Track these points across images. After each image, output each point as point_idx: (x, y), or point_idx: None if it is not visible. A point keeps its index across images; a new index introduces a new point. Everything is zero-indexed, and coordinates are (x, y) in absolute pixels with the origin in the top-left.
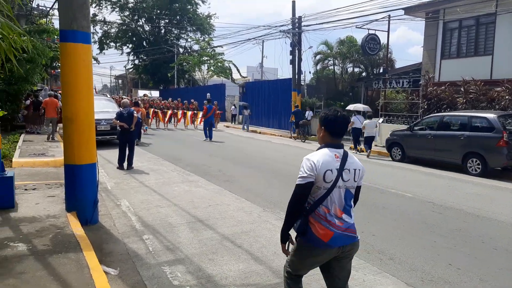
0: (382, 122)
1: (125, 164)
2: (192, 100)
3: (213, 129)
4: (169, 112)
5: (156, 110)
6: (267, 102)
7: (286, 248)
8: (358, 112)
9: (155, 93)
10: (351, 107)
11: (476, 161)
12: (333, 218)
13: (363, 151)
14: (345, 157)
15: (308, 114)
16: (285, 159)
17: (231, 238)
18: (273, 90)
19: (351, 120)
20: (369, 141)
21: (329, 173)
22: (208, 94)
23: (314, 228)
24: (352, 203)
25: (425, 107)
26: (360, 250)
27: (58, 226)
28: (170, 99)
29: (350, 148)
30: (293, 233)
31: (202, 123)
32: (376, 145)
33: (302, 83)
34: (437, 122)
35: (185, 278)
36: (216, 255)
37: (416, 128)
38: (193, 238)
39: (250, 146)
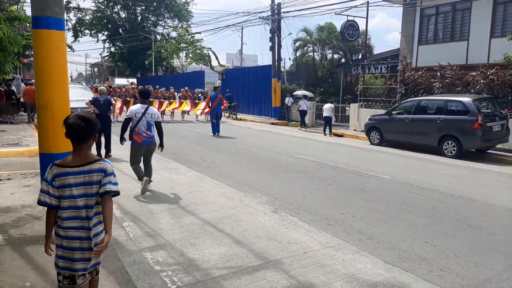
0: (360, 107)
1: (103, 152)
2: (186, 88)
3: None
4: (166, 102)
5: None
6: (247, 89)
7: (122, 143)
8: (304, 97)
9: (133, 81)
10: (298, 92)
11: (451, 143)
12: (142, 132)
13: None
14: (147, 108)
15: (288, 100)
16: (265, 144)
17: (213, 223)
18: (253, 77)
19: (299, 104)
20: (328, 121)
21: (137, 114)
22: (219, 81)
23: (134, 136)
24: (153, 128)
25: (403, 92)
26: (339, 231)
27: (35, 216)
28: (163, 89)
29: (299, 127)
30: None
31: (202, 113)
32: (354, 130)
33: (282, 70)
34: (414, 106)
35: (167, 262)
36: (197, 240)
37: (394, 112)
38: (174, 224)
39: (233, 133)
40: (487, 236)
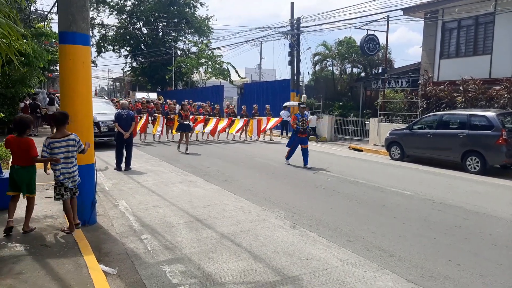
0: (380, 122)
1: (123, 166)
2: (228, 104)
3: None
4: (214, 119)
5: (196, 116)
6: (266, 103)
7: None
8: (284, 107)
9: (153, 95)
10: (286, 103)
11: (475, 159)
12: None
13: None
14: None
15: (307, 114)
16: (283, 158)
17: (230, 237)
18: (272, 91)
19: (280, 114)
20: (314, 131)
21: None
22: (304, 96)
23: None
24: None
25: (424, 106)
26: (359, 247)
27: (56, 227)
28: (204, 103)
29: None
30: None
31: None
32: (374, 144)
33: (301, 84)
34: (436, 120)
35: (184, 276)
36: (215, 254)
37: (415, 127)
38: (192, 237)
39: (251, 147)
40: None
